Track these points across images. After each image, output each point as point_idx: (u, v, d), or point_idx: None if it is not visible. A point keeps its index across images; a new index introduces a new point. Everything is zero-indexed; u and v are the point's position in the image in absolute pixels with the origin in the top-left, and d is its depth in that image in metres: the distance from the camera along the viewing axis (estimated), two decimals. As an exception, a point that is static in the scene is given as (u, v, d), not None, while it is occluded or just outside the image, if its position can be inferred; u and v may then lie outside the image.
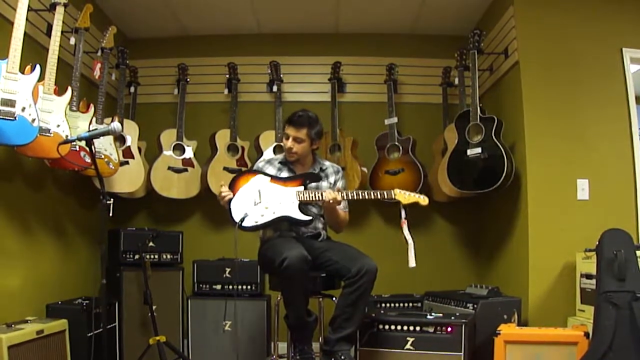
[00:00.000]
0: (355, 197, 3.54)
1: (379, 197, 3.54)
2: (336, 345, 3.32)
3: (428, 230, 5.19)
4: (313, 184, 3.65)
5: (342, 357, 3.28)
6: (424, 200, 3.60)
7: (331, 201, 3.45)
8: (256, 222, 3.46)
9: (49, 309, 3.77)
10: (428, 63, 5.37)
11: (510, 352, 3.38)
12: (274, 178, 3.61)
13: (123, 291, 4.27)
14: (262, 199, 3.52)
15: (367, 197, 3.53)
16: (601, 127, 4.26)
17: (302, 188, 3.55)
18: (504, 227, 4.57)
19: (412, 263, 3.49)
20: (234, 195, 3.52)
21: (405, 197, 3.55)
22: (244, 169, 4.88)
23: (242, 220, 3.43)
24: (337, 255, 3.46)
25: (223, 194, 3.50)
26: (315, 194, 3.52)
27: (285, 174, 3.68)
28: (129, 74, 5.10)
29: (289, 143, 3.59)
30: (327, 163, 3.84)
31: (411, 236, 3.50)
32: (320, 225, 3.74)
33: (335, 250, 3.53)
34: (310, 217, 3.52)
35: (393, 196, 3.55)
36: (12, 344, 3.01)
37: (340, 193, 3.46)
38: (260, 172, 3.66)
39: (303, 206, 3.54)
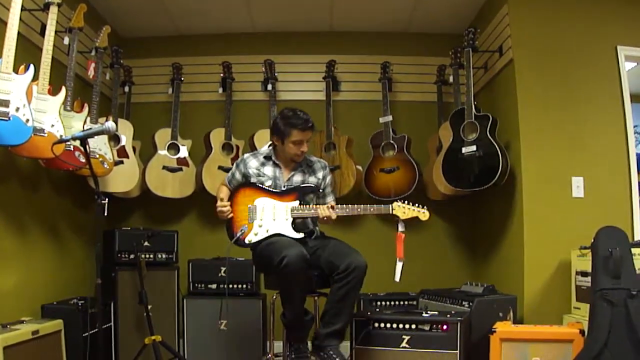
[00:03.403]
0: (351, 213, 3.53)
1: (374, 212, 3.51)
2: (325, 340, 3.35)
3: (423, 228, 5.17)
4: (300, 181, 3.68)
5: (330, 352, 3.31)
6: (424, 215, 3.52)
7: (325, 218, 3.47)
8: (250, 240, 3.52)
9: (44, 309, 3.77)
10: (423, 61, 5.37)
11: (506, 350, 3.39)
12: (270, 192, 3.60)
13: (118, 291, 4.27)
14: (257, 215, 3.54)
15: (362, 213, 3.52)
16: (596, 125, 4.27)
17: (296, 203, 3.54)
18: (499, 225, 4.58)
19: (397, 278, 3.49)
20: (232, 208, 3.58)
21: (404, 211, 3.50)
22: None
23: (237, 239, 3.51)
24: (327, 251, 3.48)
25: (225, 214, 3.55)
26: (309, 209, 3.53)
27: (269, 168, 3.68)
28: (123, 73, 5.09)
29: (304, 147, 3.59)
30: (313, 158, 3.83)
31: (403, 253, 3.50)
32: (311, 223, 3.75)
33: (326, 246, 3.54)
34: (302, 235, 3.52)
35: (391, 211, 3.50)
36: (7, 345, 3.00)
37: (335, 210, 3.47)
38: (256, 186, 3.63)
39: (297, 222, 3.56)
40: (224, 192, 3.76)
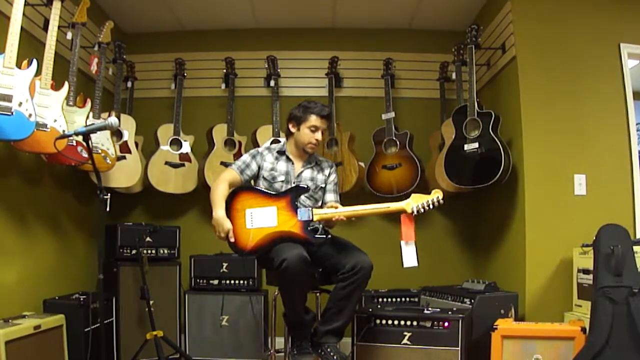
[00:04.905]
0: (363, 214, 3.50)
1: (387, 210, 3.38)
2: (323, 337, 3.35)
3: (425, 225, 5.18)
4: (309, 177, 3.68)
5: (328, 349, 3.31)
6: (437, 199, 3.32)
7: (344, 219, 3.40)
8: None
9: (46, 304, 3.77)
10: (425, 58, 5.36)
11: (507, 347, 3.39)
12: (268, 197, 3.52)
13: (120, 286, 4.28)
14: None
15: (375, 212, 3.46)
16: (598, 122, 4.26)
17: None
18: (501, 222, 4.58)
19: (411, 262, 3.29)
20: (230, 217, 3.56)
21: (418, 206, 3.29)
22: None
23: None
24: (333, 250, 3.47)
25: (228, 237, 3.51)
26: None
27: (282, 163, 3.68)
28: (126, 68, 5.09)
29: (318, 135, 3.59)
30: (322, 158, 3.85)
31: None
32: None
33: (331, 245, 3.53)
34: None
35: (409, 210, 3.32)
36: (9, 339, 3.02)
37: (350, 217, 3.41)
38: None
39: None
40: (223, 193, 3.68)
